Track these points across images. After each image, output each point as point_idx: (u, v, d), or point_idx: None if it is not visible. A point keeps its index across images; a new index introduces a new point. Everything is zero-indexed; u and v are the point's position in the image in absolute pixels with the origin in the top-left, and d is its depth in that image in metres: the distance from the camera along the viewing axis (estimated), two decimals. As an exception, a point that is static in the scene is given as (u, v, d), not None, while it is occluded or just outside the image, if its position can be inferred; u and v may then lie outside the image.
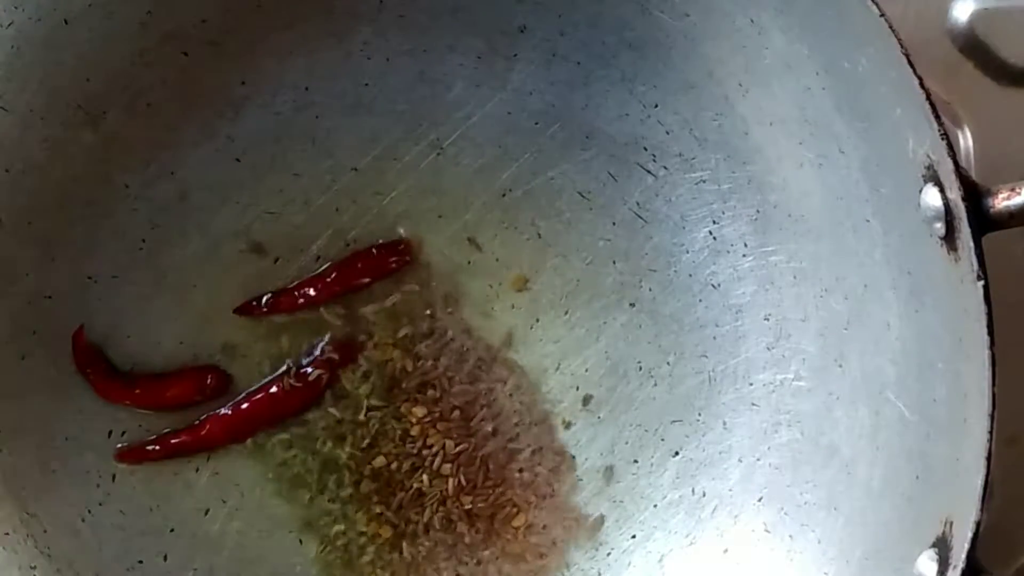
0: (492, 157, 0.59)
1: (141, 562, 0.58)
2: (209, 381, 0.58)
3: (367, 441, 0.59)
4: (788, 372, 0.56)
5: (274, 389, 0.58)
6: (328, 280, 0.59)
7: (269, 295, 0.59)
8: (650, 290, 0.59)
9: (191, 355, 0.59)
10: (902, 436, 0.49)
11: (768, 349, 0.56)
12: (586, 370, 0.59)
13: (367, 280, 0.59)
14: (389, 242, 0.59)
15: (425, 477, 0.58)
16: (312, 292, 0.58)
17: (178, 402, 0.58)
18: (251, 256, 0.59)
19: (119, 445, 0.58)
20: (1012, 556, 0.57)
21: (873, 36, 0.43)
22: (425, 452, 0.59)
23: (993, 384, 0.42)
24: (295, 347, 0.59)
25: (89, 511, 0.58)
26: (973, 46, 0.58)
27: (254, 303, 0.59)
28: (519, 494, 0.59)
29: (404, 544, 0.58)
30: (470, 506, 0.59)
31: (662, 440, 0.58)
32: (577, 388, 0.59)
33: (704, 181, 0.57)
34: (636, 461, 0.58)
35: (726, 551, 0.57)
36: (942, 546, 0.44)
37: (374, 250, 0.59)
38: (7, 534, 0.56)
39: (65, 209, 0.56)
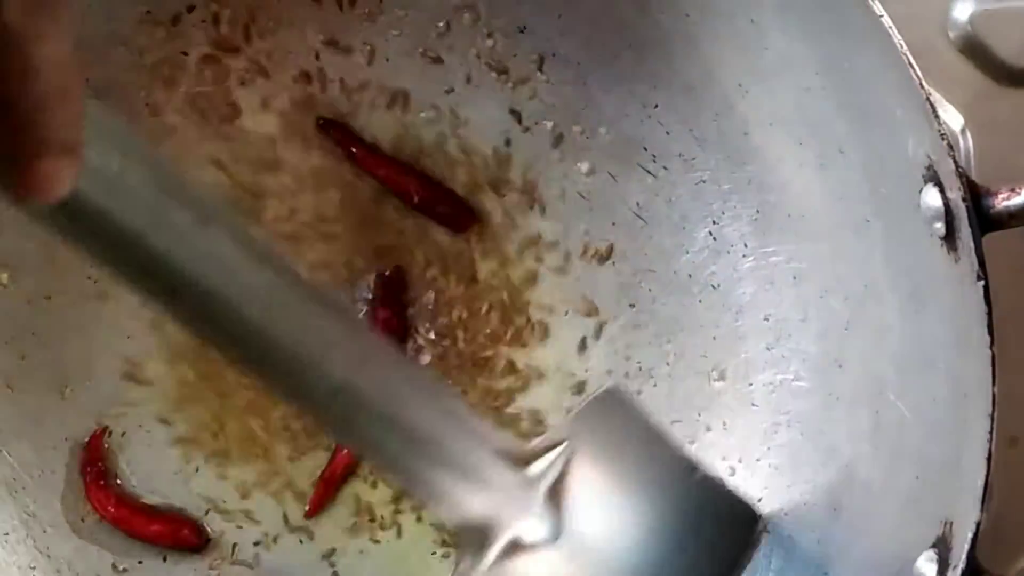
0: (491, 157, 0.59)
1: (141, 562, 0.58)
2: (184, 533, 0.58)
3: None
4: (788, 372, 0.56)
5: None
6: None
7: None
8: (650, 290, 0.58)
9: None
10: (902, 436, 0.49)
11: (768, 349, 0.56)
12: (586, 370, 0.59)
13: None
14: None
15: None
16: None
17: (153, 540, 0.58)
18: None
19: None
20: (1012, 556, 0.57)
21: (873, 36, 0.43)
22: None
23: (993, 384, 0.42)
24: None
25: (89, 511, 0.58)
26: (973, 46, 0.58)
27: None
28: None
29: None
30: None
31: (662, 440, 0.58)
32: (577, 389, 0.59)
33: (704, 181, 0.57)
34: (636, 461, 0.58)
35: (726, 551, 0.57)
36: (942, 546, 0.44)
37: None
38: (7, 534, 0.56)
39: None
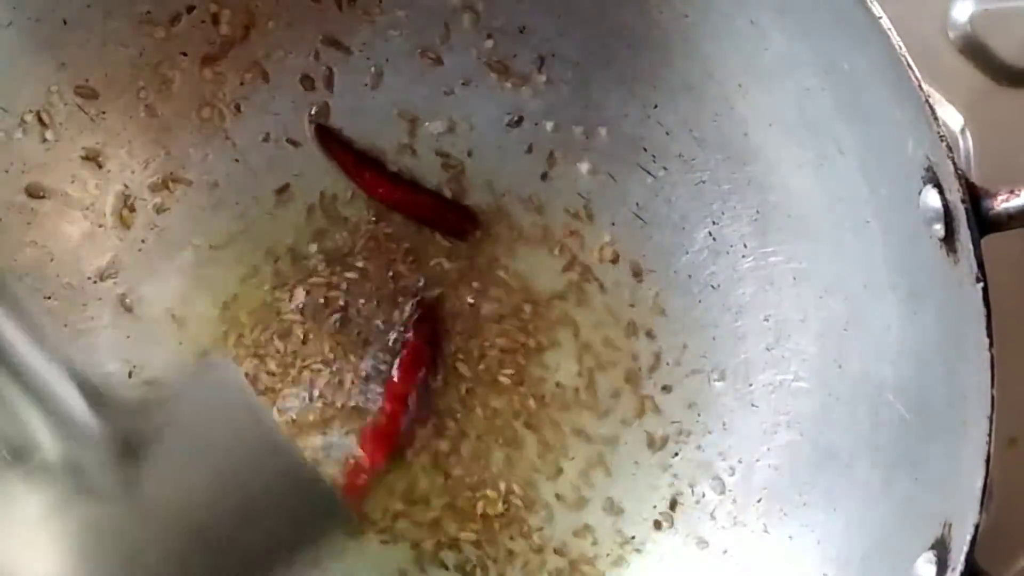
0: (492, 158, 0.59)
1: (141, 562, 0.58)
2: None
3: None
4: (788, 373, 0.56)
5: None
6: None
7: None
8: (650, 290, 0.59)
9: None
10: (901, 437, 0.49)
11: (768, 350, 0.56)
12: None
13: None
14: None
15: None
16: None
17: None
18: (253, 262, 0.59)
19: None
20: (1012, 557, 0.57)
21: (872, 37, 0.43)
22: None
23: (992, 386, 0.42)
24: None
25: (89, 511, 0.58)
26: (973, 46, 0.58)
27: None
28: (518, 496, 0.59)
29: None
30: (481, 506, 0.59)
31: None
32: (577, 390, 0.59)
33: (704, 182, 0.57)
34: (636, 462, 0.58)
35: (726, 551, 0.57)
36: (941, 548, 0.44)
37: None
38: (7, 534, 0.56)
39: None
